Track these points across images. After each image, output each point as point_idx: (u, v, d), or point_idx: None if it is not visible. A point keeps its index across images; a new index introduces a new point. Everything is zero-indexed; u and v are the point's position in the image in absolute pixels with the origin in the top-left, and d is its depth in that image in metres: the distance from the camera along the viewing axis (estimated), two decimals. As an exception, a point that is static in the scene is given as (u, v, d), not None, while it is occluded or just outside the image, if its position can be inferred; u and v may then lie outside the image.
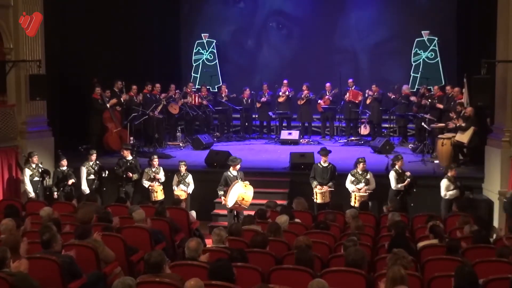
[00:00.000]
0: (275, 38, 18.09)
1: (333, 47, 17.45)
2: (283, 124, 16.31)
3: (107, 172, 11.59)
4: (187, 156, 13.08)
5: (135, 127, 13.85)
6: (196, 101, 15.65)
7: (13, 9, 11.85)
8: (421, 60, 16.62)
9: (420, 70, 16.48)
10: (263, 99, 15.82)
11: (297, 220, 8.61)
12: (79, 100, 13.70)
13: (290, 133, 15.27)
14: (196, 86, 17.00)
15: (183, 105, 15.36)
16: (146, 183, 11.31)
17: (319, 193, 10.83)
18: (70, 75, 13.61)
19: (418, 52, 16.64)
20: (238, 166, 10.76)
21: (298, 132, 15.39)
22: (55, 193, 11.24)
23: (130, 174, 11.38)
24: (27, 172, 11.29)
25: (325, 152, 11.24)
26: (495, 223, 10.56)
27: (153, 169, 11.33)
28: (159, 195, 11.23)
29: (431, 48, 16.55)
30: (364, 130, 15.36)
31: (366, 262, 6.06)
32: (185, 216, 9.28)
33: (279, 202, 10.48)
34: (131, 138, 13.69)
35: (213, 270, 5.44)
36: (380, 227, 8.92)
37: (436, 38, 16.49)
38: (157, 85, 15.02)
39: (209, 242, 8.15)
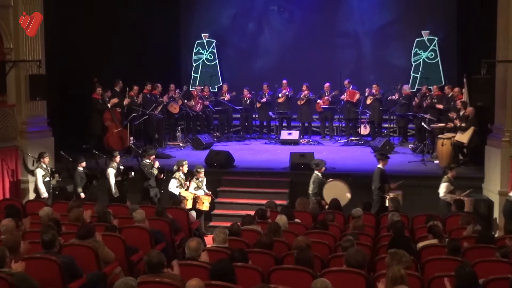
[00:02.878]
0: (276, 22, 18.05)
1: (335, 33, 17.50)
2: (283, 124, 16.32)
3: (133, 173, 11.37)
4: (187, 156, 13.07)
5: (135, 127, 13.84)
6: (198, 107, 15.61)
7: (13, 9, 11.84)
8: (421, 60, 16.62)
9: (420, 70, 16.48)
10: (263, 99, 15.83)
11: (297, 220, 8.61)
12: (79, 100, 13.68)
13: (290, 133, 15.28)
14: (197, 86, 17.00)
15: (183, 105, 15.36)
16: (176, 190, 10.76)
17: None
18: (70, 75, 13.59)
19: (418, 52, 16.64)
20: (323, 169, 10.71)
21: (298, 132, 15.39)
22: (81, 194, 11.05)
23: (161, 175, 11.19)
24: (40, 172, 11.19)
25: (384, 156, 10.90)
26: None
27: (199, 179, 10.84)
28: (205, 206, 10.76)
29: (431, 48, 16.56)
30: (364, 130, 15.36)
31: (366, 262, 6.07)
32: (185, 216, 9.28)
33: (279, 202, 10.49)
34: (131, 138, 13.69)
35: (215, 270, 5.43)
36: (380, 227, 8.92)
37: (436, 38, 16.50)
38: (158, 85, 15.02)
39: (209, 242, 8.16)
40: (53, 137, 12.75)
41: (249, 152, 13.97)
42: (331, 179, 10.62)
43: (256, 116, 16.35)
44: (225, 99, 15.82)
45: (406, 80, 16.25)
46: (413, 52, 16.67)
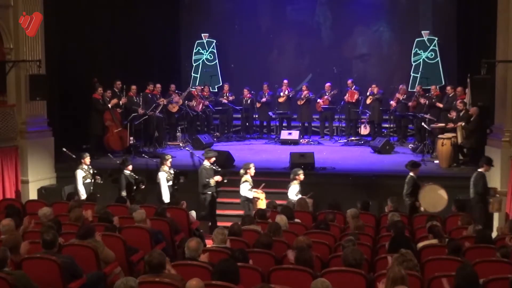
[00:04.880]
0: (276, 22, 18.05)
1: (335, 32, 17.51)
2: (283, 124, 16.32)
3: (182, 178, 11.07)
4: (187, 156, 13.08)
5: (135, 127, 13.83)
6: (200, 108, 15.61)
7: (13, 9, 11.84)
8: (421, 60, 16.62)
9: (420, 70, 16.48)
10: (263, 99, 15.83)
11: (297, 220, 8.61)
12: (79, 100, 13.68)
13: (290, 133, 15.27)
14: (197, 86, 17.01)
15: (183, 104, 15.36)
16: (250, 193, 10.49)
17: None
18: (70, 75, 13.59)
19: (418, 52, 16.64)
20: (417, 170, 10.43)
21: (298, 132, 15.39)
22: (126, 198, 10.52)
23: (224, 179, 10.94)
24: (80, 173, 10.94)
25: (415, 166, 10.64)
26: (495, 223, 10.57)
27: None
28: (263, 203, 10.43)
29: (431, 48, 16.55)
30: (364, 130, 15.36)
31: (363, 261, 6.07)
32: (185, 216, 9.28)
33: (279, 202, 10.48)
34: (131, 138, 13.68)
35: (219, 271, 5.42)
36: (380, 227, 8.92)
37: (436, 38, 16.49)
38: (158, 85, 15.01)
39: (209, 242, 8.15)
40: (53, 137, 12.76)
41: (249, 152, 13.97)
42: (430, 183, 10.27)
43: (256, 116, 16.35)
44: (226, 100, 15.81)
45: (406, 80, 16.27)
46: (413, 52, 16.66)
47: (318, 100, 15.60)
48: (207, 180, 10.72)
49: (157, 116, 14.31)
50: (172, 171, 11.03)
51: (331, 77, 15.90)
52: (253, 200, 10.50)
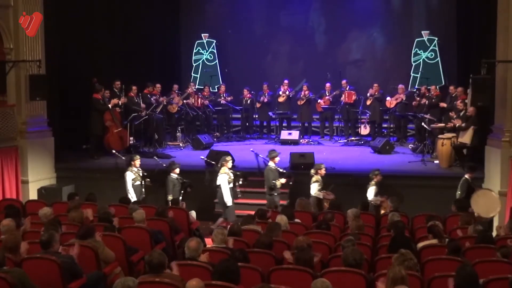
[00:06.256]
0: (276, 22, 18.00)
1: (335, 32, 17.50)
2: (283, 124, 16.31)
3: (241, 180, 10.88)
4: (187, 156, 13.08)
5: (135, 127, 13.83)
6: (199, 102, 15.64)
7: (13, 9, 11.85)
8: (421, 60, 16.62)
9: (420, 70, 16.48)
10: (263, 99, 15.83)
11: (297, 220, 8.61)
12: (79, 100, 13.68)
13: (290, 133, 15.27)
14: (197, 86, 17.01)
15: (183, 105, 15.36)
16: (320, 194, 10.42)
17: None
18: (70, 75, 13.60)
19: (418, 52, 16.64)
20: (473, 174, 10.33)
21: (298, 132, 15.39)
22: (170, 202, 10.40)
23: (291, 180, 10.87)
24: (130, 175, 10.79)
25: (473, 169, 10.54)
26: (495, 223, 10.56)
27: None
28: None
29: (431, 48, 16.55)
30: (364, 130, 15.36)
31: (363, 261, 6.07)
32: (185, 216, 9.28)
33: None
34: (131, 138, 13.69)
35: (219, 271, 5.42)
36: (380, 227, 8.92)
37: (436, 38, 16.49)
38: (158, 85, 15.01)
39: (209, 242, 8.15)
40: (53, 137, 12.76)
41: (249, 152, 13.95)
42: (486, 188, 10.22)
43: (256, 116, 16.35)
44: (223, 101, 15.82)
45: (406, 80, 16.27)
46: (413, 52, 16.66)
47: (319, 100, 15.60)
48: (274, 182, 10.55)
49: (157, 116, 14.31)
50: (140, 172, 10.89)
51: (331, 77, 15.90)
52: (323, 201, 10.34)
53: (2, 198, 11.11)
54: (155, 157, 12.64)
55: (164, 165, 11.64)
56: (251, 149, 12.38)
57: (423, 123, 13.25)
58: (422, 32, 16.63)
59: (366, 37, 17.34)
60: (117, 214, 8.50)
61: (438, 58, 16.49)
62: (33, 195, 11.92)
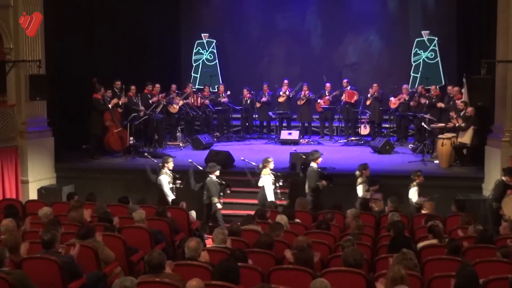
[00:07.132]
0: (276, 22, 18.02)
1: (335, 32, 17.51)
2: (283, 124, 16.31)
3: (281, 181, 10.71)
4: (187, 156, 13.06)
5: (135, 127, 13.83)
6: (198, 102, 15.64)
7: (13, 9, 11.84)
8: (421, 60, 16.62)
9: (420, 70, 16.48)
10: (263, 99, 15.82)
11: (297, 220, 8.61)
12: (79, 100, 13.68)
13: (290, 133, 15.27)
14: (197, 86, 17.00)
15: (183, 105, 15.36)
16: (367, 194, 10.30)
17: None
18: (70, 75, 13.59)
19: (418, 52, 16.64)
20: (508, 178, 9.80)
21: (298, 132, 15.39)
22: (218, 204, 10.51)
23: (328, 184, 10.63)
24: (165, 178, 10.60)
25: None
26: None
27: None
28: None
29: (431, 48, 16.55)
30: (364, 130, 15.36)
31: (363, 261, 6.07)
32: (185, 216, 9.28)
33: (279, 202, 10.48)
34: (131, 138, 13.68)
35: (219, 271, 5.42)
36: (380, 227, 8.92)
37: (436, 38, 16.49)
38: (157, 85, 15.00)
39: (209, 242, 8.16)
40: (53, 137, 12.76)
41: (249, 152, 13.94)
42: None
43: (256, 116, 16.35)
44: (222, 100, 15.81)
45: (406, 81, 16.26)
46: (413, 52, 16.66)
47: (319, 100, 15.60)
48: (317, 183, 10.45)
49: (157, 116, 14.30)
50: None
51: (331, 77, 15.90)
52: (372, 201, 10.15)
53: (2, 198, 11.11)
54: (146, 154, 12.62)
55: (160, 165, 11.53)
56: (242, 158, 12.30)
57: (423, 123, 13.26)
58: (422, 32, 16.64)
59: (364, 39, 17.34)
60: (115, 214, 8.48)
61: (438, 58, 16.50)
62: (33, 195, 11.91)
